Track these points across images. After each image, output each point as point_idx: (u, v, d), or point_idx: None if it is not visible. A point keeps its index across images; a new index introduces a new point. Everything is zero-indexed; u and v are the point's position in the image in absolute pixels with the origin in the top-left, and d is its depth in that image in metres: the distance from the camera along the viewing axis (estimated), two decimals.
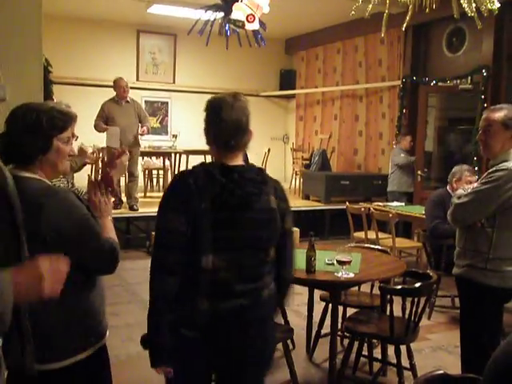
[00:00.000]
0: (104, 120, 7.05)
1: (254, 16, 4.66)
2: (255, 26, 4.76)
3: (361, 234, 6.18)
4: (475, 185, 2.84)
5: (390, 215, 5.77)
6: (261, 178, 1.95)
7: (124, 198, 7.45)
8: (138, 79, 10.21)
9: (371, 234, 5.99)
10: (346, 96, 10.02)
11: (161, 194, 2.04)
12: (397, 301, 3.23)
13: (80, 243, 1.79)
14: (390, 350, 3.54)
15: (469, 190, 2.78)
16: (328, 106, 10.49)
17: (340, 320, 3.62)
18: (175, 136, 9.06)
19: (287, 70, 11.57)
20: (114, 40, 10.01)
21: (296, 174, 9.87)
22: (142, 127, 7.18)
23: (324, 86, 10.50)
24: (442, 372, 1.55)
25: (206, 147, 1.98)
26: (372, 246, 4.30)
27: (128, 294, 5.42)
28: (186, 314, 1.88)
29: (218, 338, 1.91)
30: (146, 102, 10.17)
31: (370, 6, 3.99)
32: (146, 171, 9.12)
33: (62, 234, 1.74)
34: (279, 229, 1.97)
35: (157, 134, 10.01)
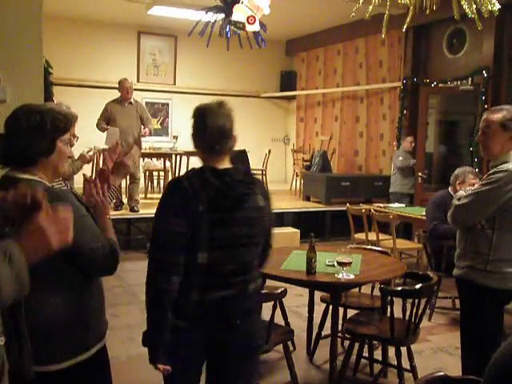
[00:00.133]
0: (106, 120, 7.07)
1: (254, 17, 4.66)
2: (256, 27, 4.76)
3: (361, 236, 6.18)
4: (476, 186, 2.84)
5: (391, 216, 5.77)
6: (249, 179, 2.07)
7: (125, 200, 7.45)
8: (138, 80, 10.22)
9: (372, 236, 5.99)
10: (346, 97, 10.03)
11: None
12: (397, 302, 3.22)
13: (80, 244, 1.79)
14: (391, 351, 3.54)
15: (469, 192, 2.78)
16: (329, 108, 10.50)
17: (340, 321, 3.61)
18: (176, 137, 9.06)
19: (288, 72, 11.58)
20: (114, 41, 10.02)
21: (297, 176, 9.87)
22: (144, 128, 7.19)
23: (324, 88, 10.51)
24: (442, 374, 1.55)
25: None
26: (372, 248, 4.30)
27: (128, 296, 5.41)
28: (179, 305, 1.98)
29: (205, 328, 2.04)
30: (146, 103, 10.17)
31: (371, 7, 3.98)
32: (147, 172, 9.12)
33: None
34: (268, 225, 2.15)
35: (157, 136, 10.01)
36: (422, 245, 5.34)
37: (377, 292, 3.62)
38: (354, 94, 9.85)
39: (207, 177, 1.97)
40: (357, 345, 3.60)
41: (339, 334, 3.78)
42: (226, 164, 2.06)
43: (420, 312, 3.24)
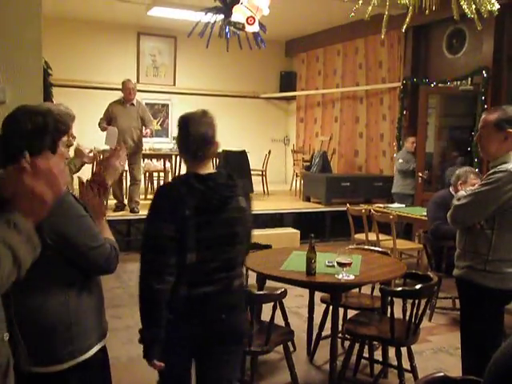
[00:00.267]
0: (107, 120, 7.08)
1: (253, 18, 4.65)
2: (255, 28, 4.75)
3: (361, 236, 6.17)
4: (475, 186, 2.84)
5: (391, 217, 5.77)
6: (232, 182, 2.18)
7: (125, 201, 7.45)
8: (138, 81, 10.20)
9: (372, 236, 5.98)
10: (346, 98, 10.03)
11: None
12: (397, 303, 3.22)
13: (80, 244, 1.79)
14: (391, 352, 3.53)
15: (469, 192, 2.78)
16: (328, 108, 10.50)
17: (341, 322, 3.61)
18: (176, 138, 9.05)
19: (287, 72, 11.58)
20: (114, 42, 10.02)
21: (297, 176, 9.87)
22: (145, 129, 7.20)
23: (324, 88, 10.51)
24: (442, 374, 1.55)
25: None
26: (372, 248, 4.30)
27: (128, 297, 5.41)
28: (170, 300, 2.11)
29: (192, 322, 2.14)
30: (146, 104, 10.12)
31: (370, 7, 3.98)
32: (147, 173, 9.12)
33: (62, 235, 1.74)
34: (250, 223, 2.29)
35: (157, 137, 10.00)
36: (423, 245, 5.33)
37: (377, 292, 3.61)
38: (353, 95, 9.85)
39: (192, 183, 2.10)
40: (357, 345, 3.60)
41: (339, 335, 3.78)
42: (209, 169, 2.19)
43: (420, 312, 3.24)
